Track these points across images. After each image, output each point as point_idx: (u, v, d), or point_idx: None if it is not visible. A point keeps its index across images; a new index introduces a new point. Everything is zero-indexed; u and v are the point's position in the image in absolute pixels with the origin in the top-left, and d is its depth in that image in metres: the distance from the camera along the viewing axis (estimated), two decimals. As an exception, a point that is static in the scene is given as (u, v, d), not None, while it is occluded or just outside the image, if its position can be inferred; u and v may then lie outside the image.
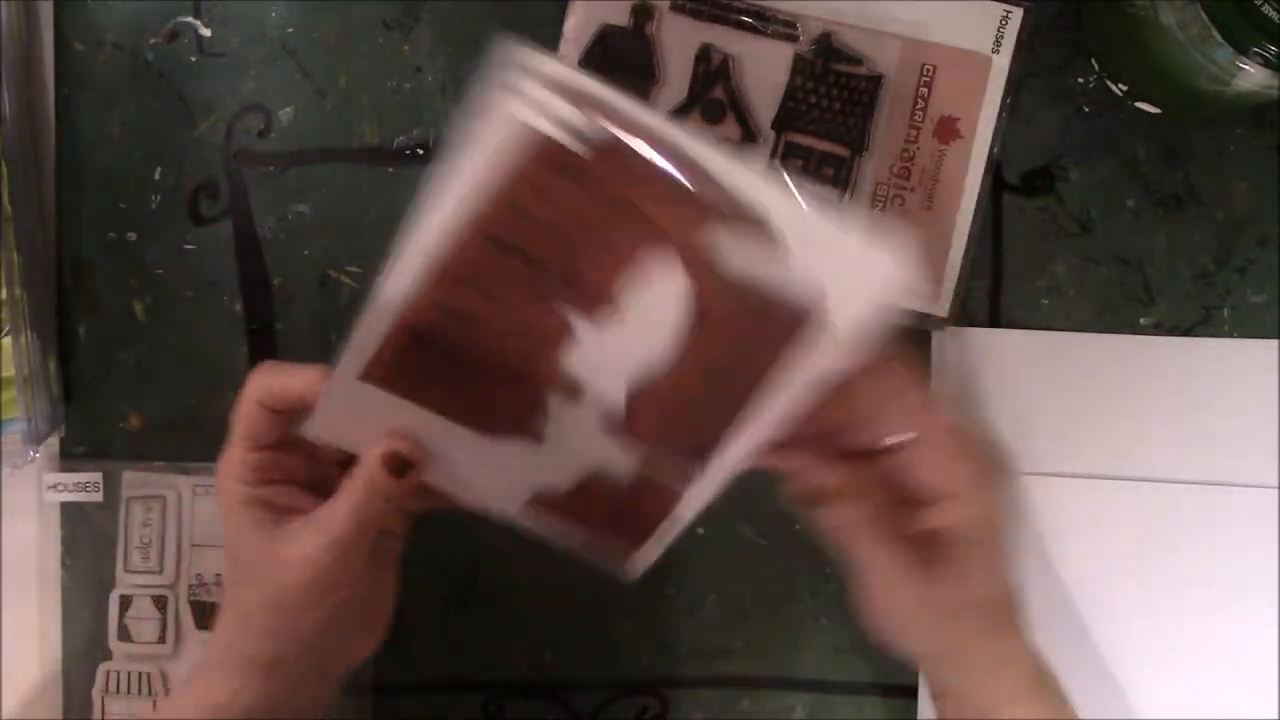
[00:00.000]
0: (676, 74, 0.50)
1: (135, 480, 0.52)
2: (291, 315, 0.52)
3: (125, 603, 0.53)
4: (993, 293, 0.51)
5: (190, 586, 0.52)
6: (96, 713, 0.53)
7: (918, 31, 0.49)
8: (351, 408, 0.40)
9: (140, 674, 0.53)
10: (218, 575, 0.52)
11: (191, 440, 0.52)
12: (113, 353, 0.53)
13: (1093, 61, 0.51)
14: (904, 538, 0.41)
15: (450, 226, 0.37)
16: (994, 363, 0.51)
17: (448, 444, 0.41)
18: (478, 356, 0.40)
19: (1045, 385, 0.51)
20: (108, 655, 0.53)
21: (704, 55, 0.50)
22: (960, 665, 0.43)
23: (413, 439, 0.41)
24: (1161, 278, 0.51)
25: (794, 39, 0.49)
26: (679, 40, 0.50)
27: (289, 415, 0.41)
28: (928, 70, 0.49)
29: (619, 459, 0.41)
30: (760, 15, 0.49)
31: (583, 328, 0.39)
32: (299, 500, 0.42)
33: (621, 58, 0.50)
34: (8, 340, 0.48)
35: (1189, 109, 0.50)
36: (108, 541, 0.52)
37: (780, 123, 0.50)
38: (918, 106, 0.50)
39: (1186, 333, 0.51)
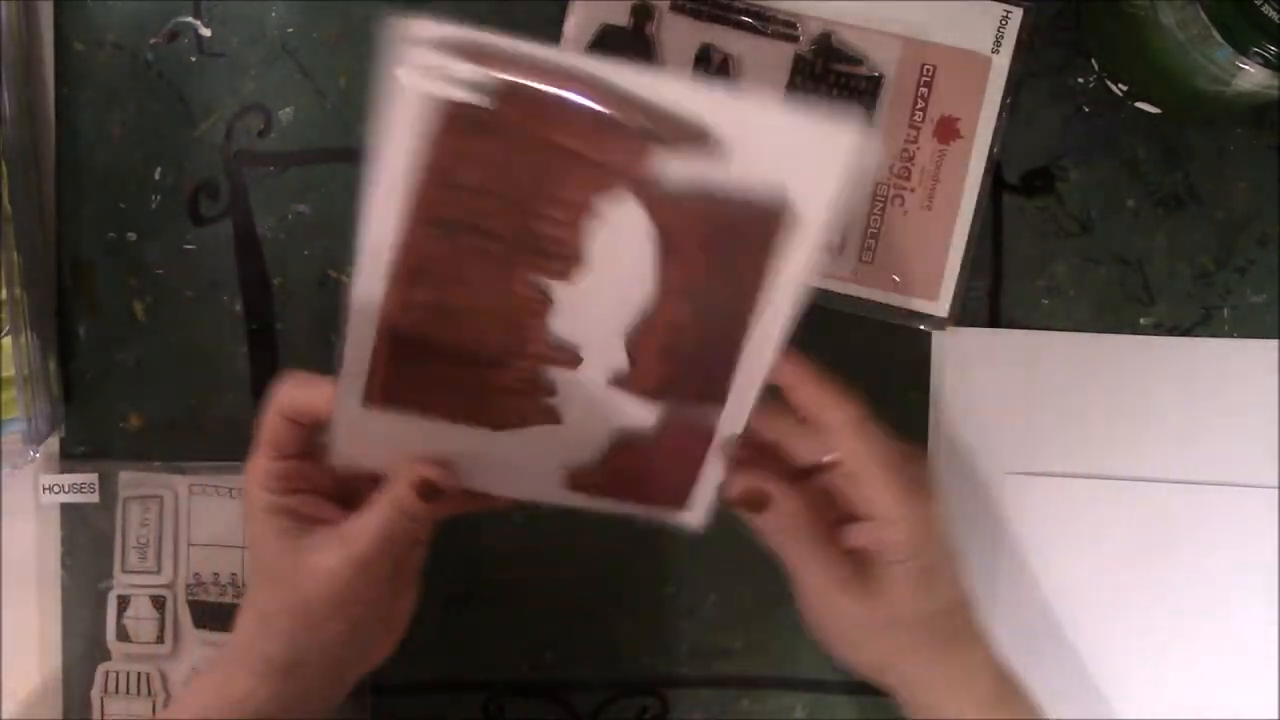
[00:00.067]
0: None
1: (132, 480, 0.52)
2: (291, 315, 0.52)
3: (123, 603, 0.52)
4: (993, 293, 0.51)
5: (188, 586, 0.52)
6: (96, 713, 0.53)
7: (918, 31, 0.49)
8: (365, 433, 0.41)
9: (139, 674, 0.53)
10: (215, 575, 0.52)
11: (191, 440, 0.52)
12: (113, 353, 0.53)
13: (1093, 61, 0.51)
14: (840, 551, 0.42)
15: (392, 222, 0.37)
16: (994, 363, 0.51)
17: (469, 447, 0.41)
18: (466, 349, 0.39)
19: (1045, 385, 0.51)
20: (106, 655, 0.53)
21: (704, 55, 0.50)
22: (903, 679, 0.44)
23: (443, 464, 0.41)
24: (1161, 278, 0.51)
25: (794, 39, 0.49)
26: (679, 40, 0.50)
27: (312, 427, 0.41)
28: (928, 70, 0.49)
29: (638, 412, 0.40)
30: (760, 15, 0.49)
31: (558, 291, 0.38)
32: (323, 510, 0.42)
33: (621, 58, 0.50)
34: (8, 340, 0.48)
35: (1189, 109, 0.50)
36: (107, 542, 0.52)
37: (780, 123, 0.50)
38: (918, 106, 0.50)
39: (1186, 333, 0.51)
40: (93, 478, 0.52)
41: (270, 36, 0.52)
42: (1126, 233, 0.51)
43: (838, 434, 0.41)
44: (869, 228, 0.50)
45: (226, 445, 0.52)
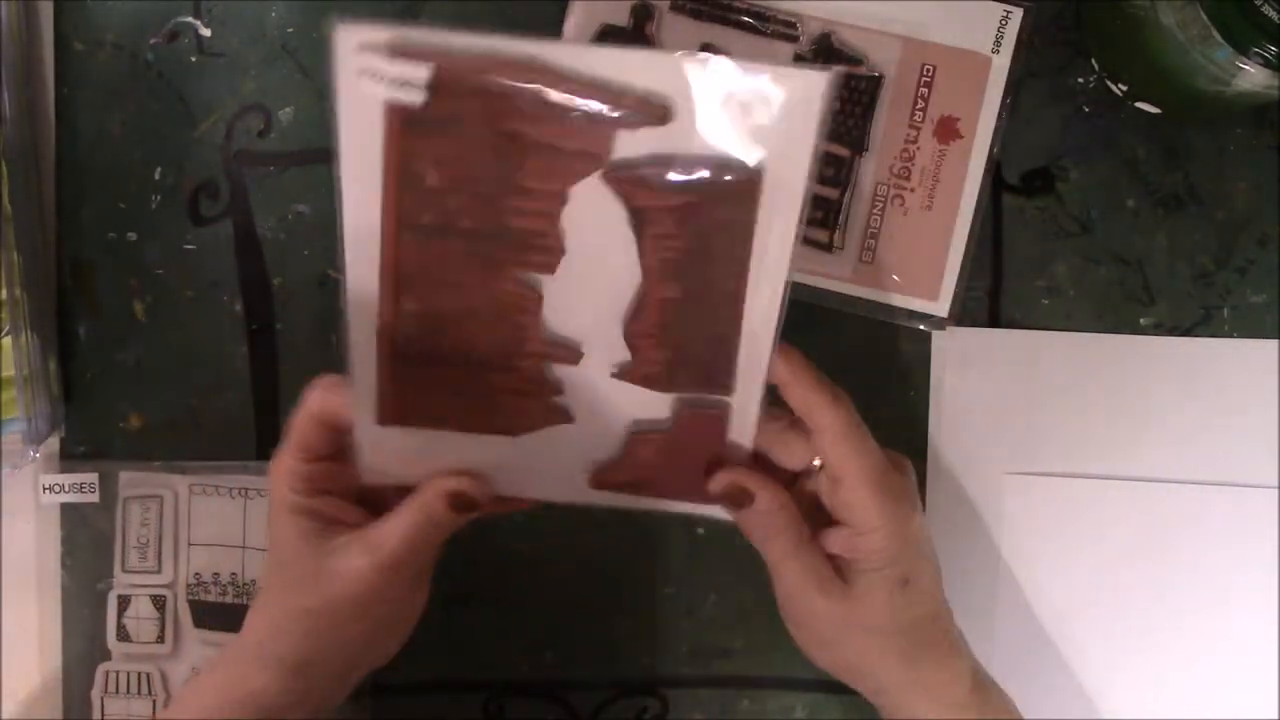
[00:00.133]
0: (676, 74, 0.50)
1: (132, 480, 0.52)
2: (291, 315, 0.52)
3: (123, 603, 0.53)
4: (993, 293, 0.51)
5: (188, 586, 0.52)
6: (96, 713, 0.53)
7: (918, 31, 0.49)
8: (387, 450, 0.41)
9: (139, 674, 0.53)
10: (216, 575, 0.52)
11: (191, 440, 0.52)
12: (113, 353, 0.53)
13: (1093, 61, 0.51)
14: (820, 552, 0.42)
15: (369, 234, 0.36)
16: (994, 363, 0.51)
17: (490, 456, 0.41)
18: (466, 355, 0.39)
19: (1045, 385, 0.51)
20: (107, 655, 0.53)
21: (704, 55, 0.50)
22: (875, 682, 0.44)
23: (476, 477, 0.41)
24: (1161, 278, 0.51)
25: (794, 39, 0.49)
26: (679, 40, 0.50)
27: (342, 431, 0.41)
28: (928, 70, 0.49)
29: (649, 400, 0.40)
30: (760, 15, 0.49)
31: (546, 285, 0.38)
32: (347, 512, 0.42)
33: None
34: (8, 340, 0.48)
35: (1189, 109, 0.50)
36: (107, 542, 0.52)
37: (780, 123, 0.50)
38: (918, 106, 0.50)
39: (1186, 333, 0.51)
40: (93, 477, 0.52)
41: (270, 36, 0.52)
42: (1126, 233, 0.51)
43: (824, 438, 0.41)
44: (869, 228, 0.50)
45: (226, 445, 0.52)
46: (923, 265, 0.50)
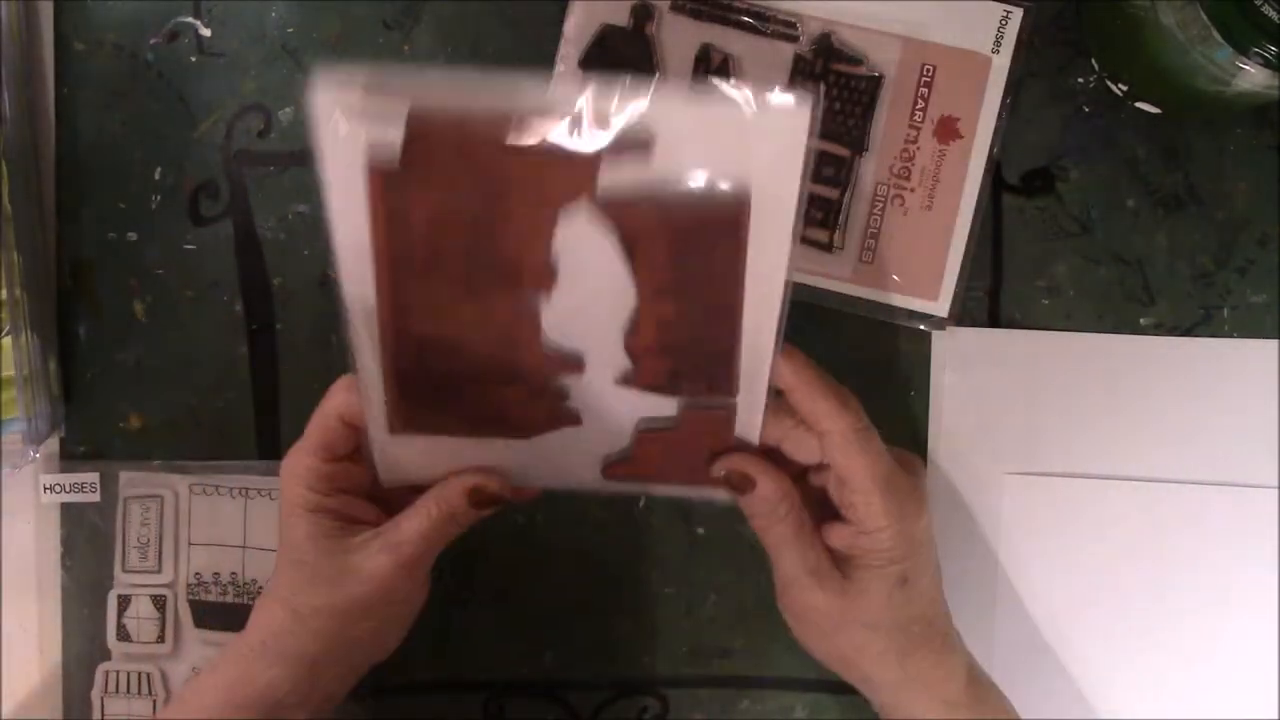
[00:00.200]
0: (676, 74, 0.50)
1: (132, 480, 0.52)
2: (291, 315, 0.52)
3: (124, 603, 0.53)
4: (993, 293, 0.51)
5: (189, 586, 0.52)
6: (96, 713, 0.53)
7: (918, 31, 0.49)
8: (401, 456, 0.42)
9: (139, 674, 0.53)
10: (216, 574, 0.52)
11: (191, 440, 0.52)
12: (113, 353, 0.53)
13: (1093, 61, 0.51)
14: (821, 543, 0.43)
15: (363, 273, 0.37)
16: (994, 363, 0.51)
17: (502, 456, 0.42)
18: (470, 374, 0.40)
19: (1045, 385, 0.51)
20: (107, 655, 0.53)
21: (704, 55, 0.50)
22: (868, 676, 0.44)
23: (496, 474, 0.42)
24: (1161, 278, 0.51)
25: (794, 39, 0.49)
26: (679, 40, 0.50)
27: (363, 431, 0.41)
28: (928, 70, 0.49)
29: (655, 402, 0.40)
30: (760, 15, 0.49)
31: (543, 304, 0.38)
32: (362, 510, 0.42)
33: (621, 58, 0.50)
34: (8, 340, 0.48)
35: (1189, 109, 0.50)
36: (107, 542, 0.52)
37: (780, 123, 0.50)
38: (918, 106, 0.50)
39: (1186, 333, 0.51)
40: (94, 477, 0.52)
41: (270, 36, 0.52)
42: (1126, 233, 0.51)
43: (829, 443, 0.41)
44: (869, 228, 0.50)
45: (226, 445, 0.52)
46: (923, 265, 0.50)
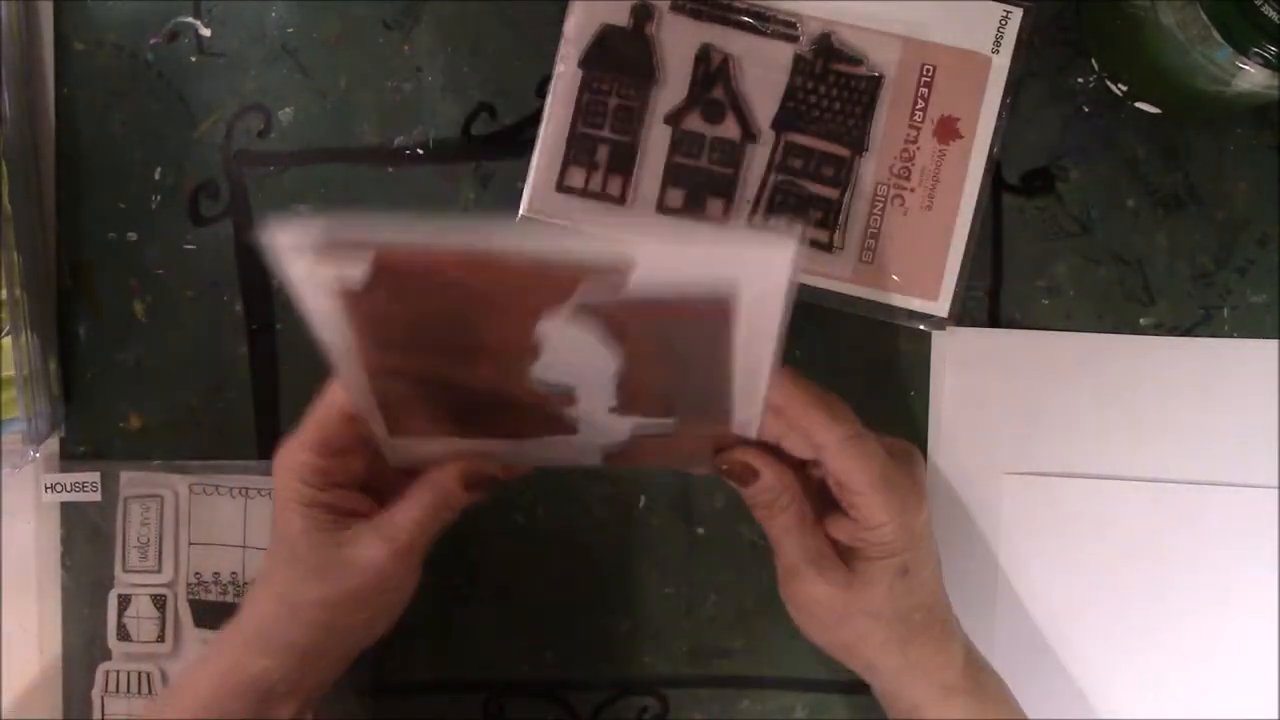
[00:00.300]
0: (676, 74, 0.50)
1: (133, 480, 0.52)
2: (291, 315, 0.52)
3: (124, 602, 0.53)
4: (993, 293, 0.51)
5: (189, 585, 0.52)
6: (96, 712, 0.53)
7: (918, 31, 0.49)
8: (407, 450, 0.42)
9: (139, 673, 0.53)
10: (216, 574, 0.52)
11: (191, 440, 0.52)
12: (113, 353, 0.53)
13: (1093, 61, 0.51)
14: (823, 533, 0.43)
15: (354, 380, 0.37)
16: (994, 363, 0.51)
17: (503, 448, 0.42)
18: (463, 403, 0.40)
19: (1045, 385, 0.51)
20: (107, 655, 0.53)
21: (704, 55, 0.50)
22: (870, 663, 0.44)
23: (492, 458, 0.42)
24: (1161, 278, 0.51)
25: (794, 39, 0.49)
26: (679, 40, 0.50)
27: (364, 426, 0.41)
28: (928, 70, 0.49)
29: (652, 422, 0.41)
30: (760, 15, 0.49)
31: (529, 364, 0.37)
32: (357, 503, 0.43)
33: (621, 58, 0.50)
34: (8, 340, 0.48)
35: (1189, 109, 0.50)
36: (107, 542, 0.52)
37: (780, 123, 0.50)
38: (918, 106, 0.50)
39: (1186, 333, 0.51)
40: (94, 476, 0.52)
41: (270, 36, 0.52)
42: (1126, 233, 0.51)
43: (825, 454, 0.41)
44: (869, 228, 0.50)
45: (226, 445, 0.52)
46: (923, 265, 0.50)
